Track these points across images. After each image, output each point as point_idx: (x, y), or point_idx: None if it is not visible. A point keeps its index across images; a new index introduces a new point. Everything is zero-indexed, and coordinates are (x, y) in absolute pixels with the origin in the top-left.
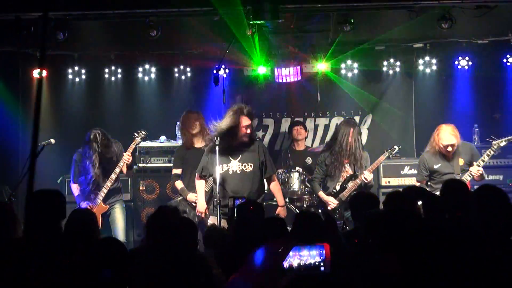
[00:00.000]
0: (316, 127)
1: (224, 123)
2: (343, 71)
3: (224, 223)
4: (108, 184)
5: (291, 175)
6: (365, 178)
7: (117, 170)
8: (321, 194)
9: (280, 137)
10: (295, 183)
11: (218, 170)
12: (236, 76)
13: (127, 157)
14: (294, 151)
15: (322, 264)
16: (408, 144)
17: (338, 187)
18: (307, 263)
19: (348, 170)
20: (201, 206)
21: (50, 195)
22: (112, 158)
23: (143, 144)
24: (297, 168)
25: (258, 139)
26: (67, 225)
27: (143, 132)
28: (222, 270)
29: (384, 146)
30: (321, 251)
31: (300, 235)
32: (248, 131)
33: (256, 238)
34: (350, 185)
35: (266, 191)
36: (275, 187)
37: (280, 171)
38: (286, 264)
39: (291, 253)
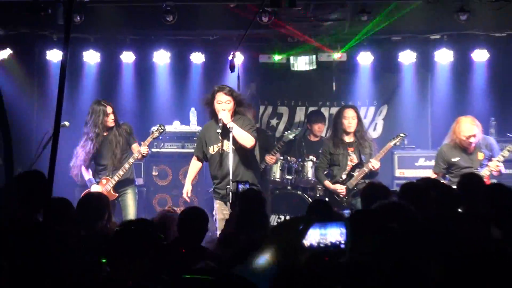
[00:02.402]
0: (330, 116)
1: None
2: (359, 61)
3: (219, 206)
4: (121, 173)
5: (305, 164)
6: (373, 166)
7: (131, 160)
8: (327, 183)
9: (295, 126)
10: (309, 171)
11: (211, 151)
12: (252, 63)
13: (145, 150)
14: (309, 141)
15: (342, 242)
16: (423, 135)
17: (344, 176)
18: (327, 241)
19: (353, 158)
20: (185, 189)
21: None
22: (117, 138)
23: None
24: (310, 156)
25: (245, 117)
26: (79, 209)
27: (162, 128)
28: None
29: None
30: (341, 229)
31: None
32: (225, 107)
33: (258, 229)
34: (357, 173)
35: (265, 164)
36: None
37: (293, 159)
38: (306, 242)
39: (311, 231)
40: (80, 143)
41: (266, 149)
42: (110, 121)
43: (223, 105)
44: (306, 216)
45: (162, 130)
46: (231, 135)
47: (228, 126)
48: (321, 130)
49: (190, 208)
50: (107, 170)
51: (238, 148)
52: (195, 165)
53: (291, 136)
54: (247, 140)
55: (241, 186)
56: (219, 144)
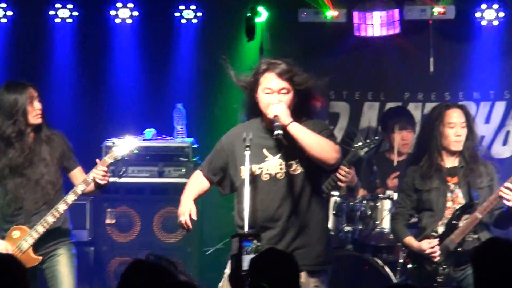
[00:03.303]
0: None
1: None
2: (478, 20)
3: None
4: (50, 219)
5: (378, 204)
6: (508, 197)
7: (70, 198)
8: (410, 240)
9: (361, 134)
10: (386, 218)
11: (243, 175)
12: (285, 24)
13: (100, 173)
14: (386, 161)
15: None
16: None
17: (441, 228)
18: None
19: (457, 196)
20: (184, 207)
21: None
22: (43, 154)
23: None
24: (388, 192)
25: (316, 121)
26: None
27: (134, 146)
28: None
29: None
30: None
31: None
32: (281, 99)
33: None
34: (465, 222)
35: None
36: None
37: (359, 197)
38: None
39: None
40: None
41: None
42: (35, 114)
43: (275, 96)
44: None
45: (134, 149)
46: (281, 147)
47: (289, 128)
48: (407, 141)
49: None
50: (23, 214)
51: (305, 171)
52: (200, 180)
53: (362, 152)
54: (329, 151)
55: (248, 245)
56: (262, 164)
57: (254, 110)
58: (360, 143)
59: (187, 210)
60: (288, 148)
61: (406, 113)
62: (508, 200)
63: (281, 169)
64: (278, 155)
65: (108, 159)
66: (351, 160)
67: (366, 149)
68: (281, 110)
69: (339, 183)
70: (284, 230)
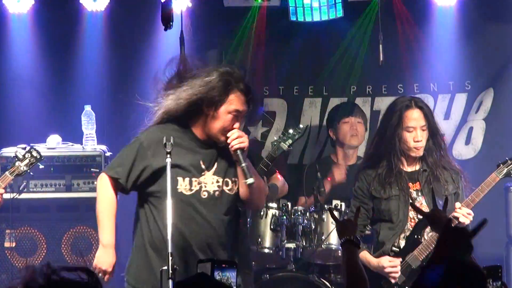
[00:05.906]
0: (375, 115)
1: (191, 88)
2: (439, 3)
3: None
4: None
5: (324, 216)
6: (458, 218)
7: None
8: (366, 255)
9: (302, 137)
10: (333, 233)
11: (183, 189)
12: (208, 9)
13: None
14: (334, 166)
15: None
16: None
17: (402, 242)
18: None
19: (421, 205)
20: (105, 259)
21: None
22: None
23: (7, 153)
24: (335, 202)
25: (253, 139)
26: None
27: (34, 154)
28: None
29: None
30: None
31: None
32: (238, 124)
33: None
34: (429, 236)
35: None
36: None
37: (300, 209)
38: None
39: None
40: None
41: None
42: None
43: (236, 119)
44: None
45: (34, 160)
46: (217, 161)
47: (243, 167)
48: (356, 130)
49: None
50: None
51: (232, 189)
52: (113, 198)
53: (286, 145)
54: (263, 200)
55: (222, 274)
56: (199, 179)
57: (185, 116)
58: (281, 135)
59: (108, 264)
60: (225, 163)
61: (357, 107)
62: (459, 219)
63: (218, 186)
64: (212, 170)
65: (10, 175)
66: (273, 157)
67: (290, 141)
68: (247, 144)
69: None
70: (219, 251)
